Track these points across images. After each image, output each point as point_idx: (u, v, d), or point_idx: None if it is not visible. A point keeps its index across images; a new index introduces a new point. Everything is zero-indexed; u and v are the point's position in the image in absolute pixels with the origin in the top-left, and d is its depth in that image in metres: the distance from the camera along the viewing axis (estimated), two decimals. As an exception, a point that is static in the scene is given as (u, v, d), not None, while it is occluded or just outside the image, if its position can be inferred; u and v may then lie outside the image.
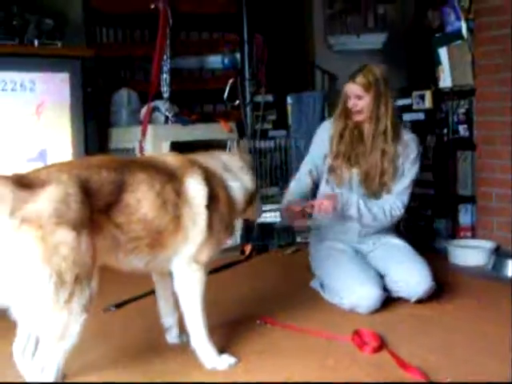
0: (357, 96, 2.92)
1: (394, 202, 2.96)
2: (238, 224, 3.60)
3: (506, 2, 3.56)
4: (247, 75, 4.32)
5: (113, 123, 4.13)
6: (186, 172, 2.15)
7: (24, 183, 1.80)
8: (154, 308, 2.44)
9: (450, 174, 4.04)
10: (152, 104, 3.98)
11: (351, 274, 2.81)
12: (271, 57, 4.41)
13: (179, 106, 4.22)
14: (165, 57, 4.09)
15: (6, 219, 1.74)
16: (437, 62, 4.06)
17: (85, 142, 3.74)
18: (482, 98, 3.84)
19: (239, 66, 4.41)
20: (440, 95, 4.10)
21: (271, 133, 4.66)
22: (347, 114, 2.99)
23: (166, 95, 4.13)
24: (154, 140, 3.86)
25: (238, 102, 4.32)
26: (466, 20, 3.89)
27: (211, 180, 2.20)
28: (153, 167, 2.11)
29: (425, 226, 4.10)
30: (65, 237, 1.79)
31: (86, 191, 1.88)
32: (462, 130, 4.02)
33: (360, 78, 2.90)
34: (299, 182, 3.10)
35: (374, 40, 5.60)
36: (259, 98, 4.38)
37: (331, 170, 3.02)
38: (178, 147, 3.68)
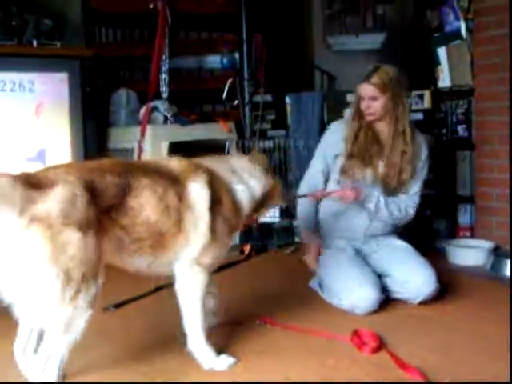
0: (371, 97, 2.90)
1: (408, 200, 2.99)
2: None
3: (505, 1, 3.56)
4: (246, 75, 4.32)
5: (112, 123, 4.13)
6: (189, 176, 2.16)
7: (33, 183, 1.82)
8: (154, 308, 2.44)
9: (449, 174, 4.05)
10: (151, 104, 3.98)
11: (351, 276, 2.81)
12: (270, 57, 4.40)
13: (178, 106, 4.23)
14: (164, 57, 4.09)
15: (15, 218, 1.76)
16: (436, 62, 4.06)
17: (84, 141, 3.74)
18: (481, 97, 3.84)
19: (238, 66, 4.41)
20: (439, 95, 4.10)
21: (270, 133, 4.66)
22: (361, 114, 2.98)
23: (164, 95, 4.13)
24: (153, 140, 3.86)
25: (236, 101, 4.32)
26: (465, 20, 3.89)
27: (215, 184, 2.21)
28: (156, 172, 2.13)
29: (424, 226, 4.09)
30: (72, 237, 1.82)
31: (92, 193, 1.90)
32: (461, 129, 4.02)
33: (375, 79, 2.88)
34: (312, 180, 3.11)
35: (373, 40, 5.60)
36: (258, 98, 4.36)
37: (343, 170, 3.00)
38: (177, 147, 3.69)
